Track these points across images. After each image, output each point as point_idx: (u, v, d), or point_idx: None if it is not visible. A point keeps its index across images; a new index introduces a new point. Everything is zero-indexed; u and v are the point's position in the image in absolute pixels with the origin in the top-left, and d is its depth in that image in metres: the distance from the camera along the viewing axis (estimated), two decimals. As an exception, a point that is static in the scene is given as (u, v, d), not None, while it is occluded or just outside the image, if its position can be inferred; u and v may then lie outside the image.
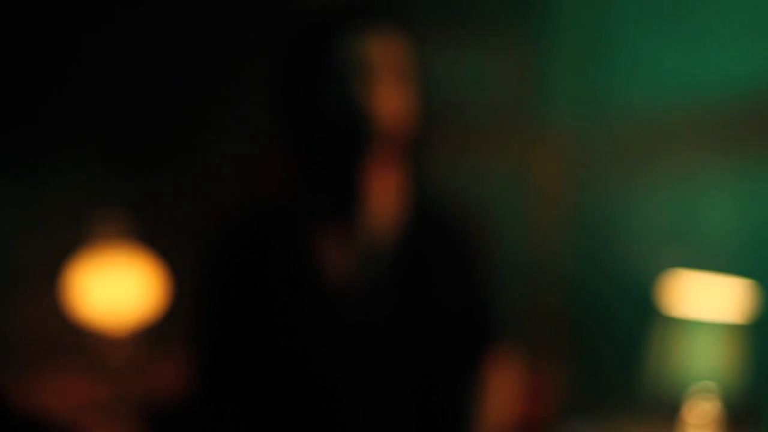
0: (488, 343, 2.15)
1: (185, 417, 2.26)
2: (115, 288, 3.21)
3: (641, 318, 2.97)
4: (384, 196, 2.07)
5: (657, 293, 2.95)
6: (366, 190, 2.04)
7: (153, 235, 3.31)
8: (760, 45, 2.99)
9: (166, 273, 3.30)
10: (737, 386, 2.80)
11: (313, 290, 2.04)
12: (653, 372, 2.90)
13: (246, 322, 2.04)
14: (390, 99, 2.00)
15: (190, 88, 3.44)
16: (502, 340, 2.17)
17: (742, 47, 2.99)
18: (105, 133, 3.43)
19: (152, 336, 3.32)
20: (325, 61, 1.99)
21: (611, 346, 3.12)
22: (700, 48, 3.03)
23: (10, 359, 3.26)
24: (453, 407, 2.11)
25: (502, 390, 2.18)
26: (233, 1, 3.48)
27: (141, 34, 3.41)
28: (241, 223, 2.11)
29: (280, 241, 2.06)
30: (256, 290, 2.04)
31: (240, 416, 2.04)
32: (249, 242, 2.08)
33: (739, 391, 2.80)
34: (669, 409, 2.80)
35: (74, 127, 3.39)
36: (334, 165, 2.03)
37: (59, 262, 3.27)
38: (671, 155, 3.11)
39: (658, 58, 3.08)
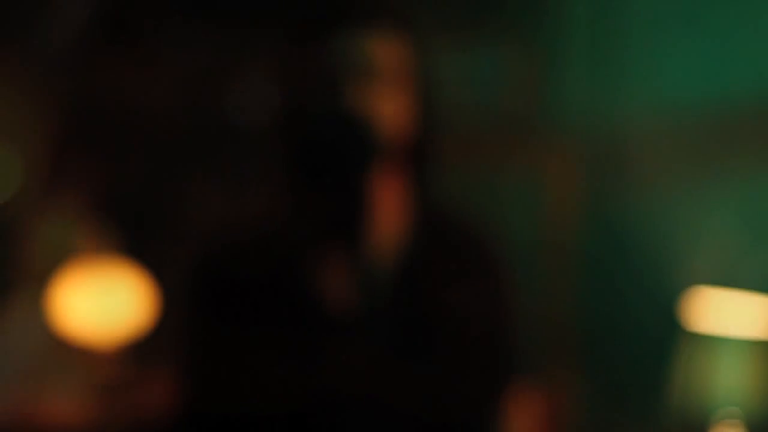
0: (511, 376, 1.97)
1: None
2: (102, 303, 3.14)
3: (664, 336, 2.87)
4: (385, 213, 1.90)
5: (681, 309, 2.83)
6: (366, 208, 1.87)
7: (140, 249, 3.24)
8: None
9: (153, 287, 3.22)
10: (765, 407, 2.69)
11: (309, 321, 1.86)
12: (678, 393, 2.78)
13: (233, 357, 1.87)
14: (391, 104, 1.83)
15: (181, 98, 3.35)
16: (526, 371, 2.00)
17: (760, 50, 2.88)
18: (92, 143, 3.35)
19: (139, 350, 3.25)
20: (319, 61, 1.83)
21: (632, 365, 3.02)
22: (717, 51, 2.95)
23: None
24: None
25: (526, 428, 2.01)
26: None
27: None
28: (228, 247, 1.94)
29: (273, 264, 1.89)
30: (244, 320, 1.87)
31: None
32: (236, 269, 1.90)
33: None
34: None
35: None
36: (330, 175, 1.87)
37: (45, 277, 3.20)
38: (690, 158, 3.00)
39: (672, 62, 2.99)
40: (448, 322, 1.90)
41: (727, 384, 2.69)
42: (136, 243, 3.24)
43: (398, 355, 1.87)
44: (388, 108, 1.82)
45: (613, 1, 3.02)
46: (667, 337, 2.86)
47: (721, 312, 2.74)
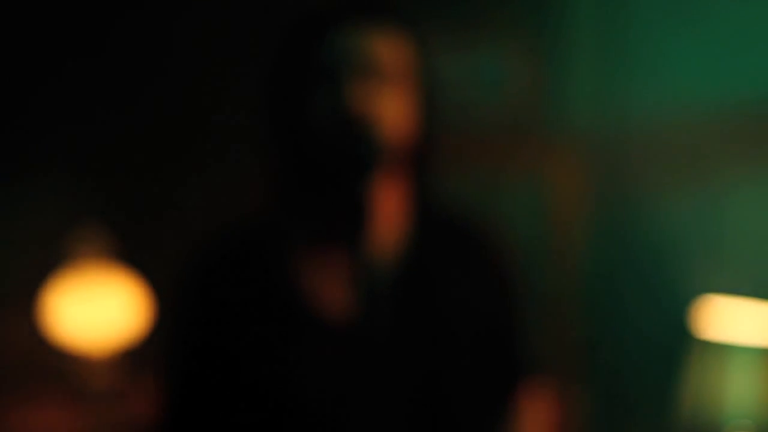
0: (519, 377, 1.94)
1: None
2: (95, 309, 3.13)
3: (673, 344, 2.84)
4: (387, 214, 1.86)
5: (690, 317, 2.81)
6: (365, 210, 1.84)
7: (133, 255, 3.22)
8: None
9: (147, 293, 3.20)
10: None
11: (305, 323, 1.82)
12: (687, 402, 2.76)
13: (224, 360, 1.83)
14: (392, 103, 1.79)
15: (174, 100, 3.32)
16: (534, 372, 1.96)
17: (766, 51, 2.88)
18: (84, 147, 3.32)
19: (133, 358, 3.23)
20: (316, 58, 1.79)
21: (640, 373, 2.99)
22: (722, 52, 2.92)
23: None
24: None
25: (534, 428, 1.97)
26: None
27: (121, 43, 3.31)
28: (219, 247, 1.90)
29: (267, 268, 1.85)
30: (236, 325, 1.83)
31: None
32: (229, 270, 1.86)
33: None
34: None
35: (53, 142, 3.29)
36: (328, 179, 1.83)
37: (36, 283, 3.19)
38: (699, 163, 2.98)
39: (678, 60, 2.97)
40: (451, 325, 1.87)
41: (737, 392, 2.67)
42: (129, 248, 3.22)
43: (400, 357, 1.83)
44: (391, 108, 1.78)
45: (618, 2, 3.03)
46: (675, 344, 2.83)
47: (730, 320, 2.72)
